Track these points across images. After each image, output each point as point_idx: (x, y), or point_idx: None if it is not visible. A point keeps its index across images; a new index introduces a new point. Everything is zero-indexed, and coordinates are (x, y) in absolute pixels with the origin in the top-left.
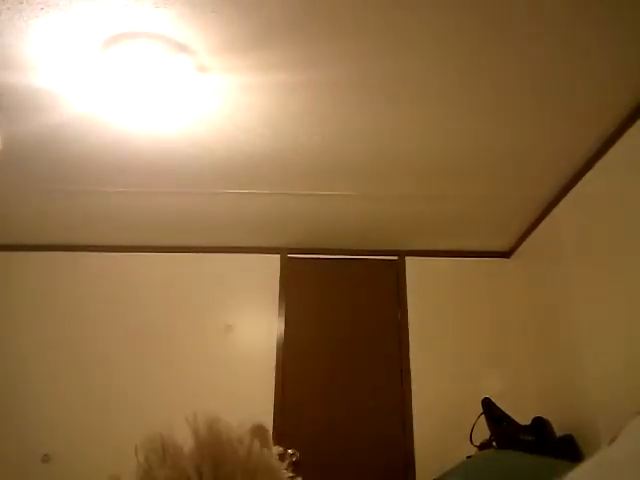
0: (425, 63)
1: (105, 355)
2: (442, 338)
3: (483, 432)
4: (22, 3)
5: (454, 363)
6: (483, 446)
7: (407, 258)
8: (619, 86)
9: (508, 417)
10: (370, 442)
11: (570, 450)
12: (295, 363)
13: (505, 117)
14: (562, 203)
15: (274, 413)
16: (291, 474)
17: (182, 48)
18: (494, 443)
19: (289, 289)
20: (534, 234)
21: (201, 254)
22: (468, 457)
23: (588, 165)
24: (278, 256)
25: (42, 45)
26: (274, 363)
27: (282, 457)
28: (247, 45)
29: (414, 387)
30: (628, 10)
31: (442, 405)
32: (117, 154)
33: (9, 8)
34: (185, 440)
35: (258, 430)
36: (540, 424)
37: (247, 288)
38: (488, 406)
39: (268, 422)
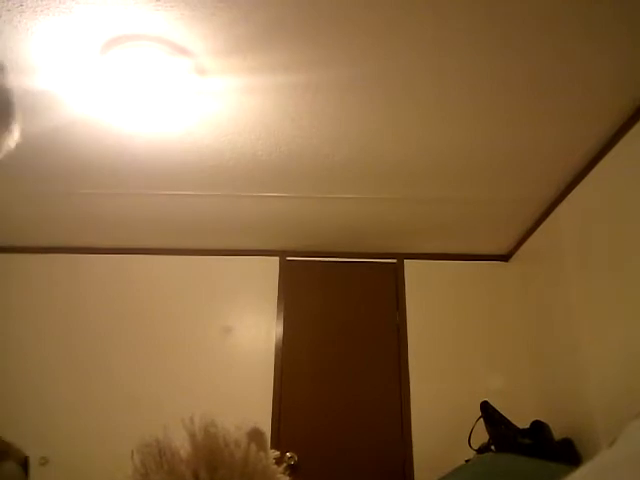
0: (425, 64)
1: (104, 357)
2: (441, 341)
3: (482, 436)
4: (22, 5)
5: (453, 366)
6: (482, 450)
7: (406, 261)
8: (620, 86)
9: (507, 420)
10: (369, 445)
11: (569, 453)
12: (294, 366)
13: (505, 118)
14: (562, 206)
15: (272, 416)
16: (289, 478)
17: (182, 50)
18: (492, 447)
19: (288, 292)
20: (533, 237)
21: (200, 256)
22: (467, 461)
23: (588, 167)
24: (277, 259)
25: (42, 48)
26: (273, 366)
27: (280, 461)
28: (247, 47)
29: (413, 390)
30: (629, 10)
31: (441, 408)
32: (117, 156)
33: (9, 10)
34: (182, 444)
35: (255, 433)
36: (539, 427)
37: (246, 291)
38: (486, 409)
39: (266, 425)
